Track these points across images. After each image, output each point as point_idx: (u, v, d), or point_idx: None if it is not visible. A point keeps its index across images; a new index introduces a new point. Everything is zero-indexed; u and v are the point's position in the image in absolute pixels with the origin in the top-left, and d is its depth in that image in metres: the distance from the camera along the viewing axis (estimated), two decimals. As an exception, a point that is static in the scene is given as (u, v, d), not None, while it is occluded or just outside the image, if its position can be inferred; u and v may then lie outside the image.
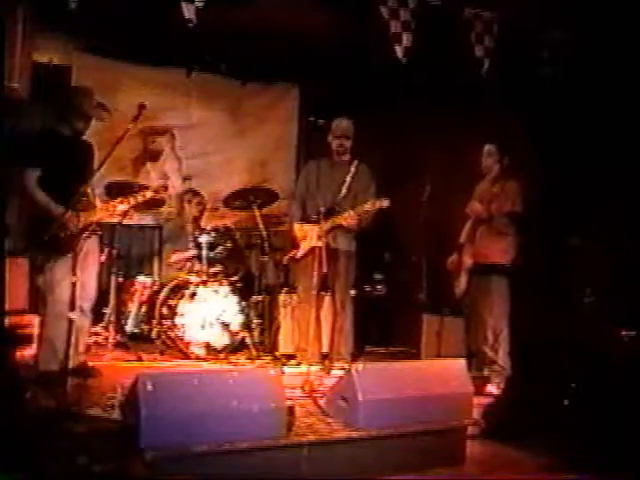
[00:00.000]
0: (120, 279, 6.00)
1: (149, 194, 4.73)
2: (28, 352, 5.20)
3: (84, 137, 4.62)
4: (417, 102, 6.40)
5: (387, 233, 6.56)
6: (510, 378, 4.91)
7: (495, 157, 5.20)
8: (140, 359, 5.27)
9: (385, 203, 5.04)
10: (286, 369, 5.01)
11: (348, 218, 5.14)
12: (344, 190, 5.31)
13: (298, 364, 5.36)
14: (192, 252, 6.05)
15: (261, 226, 6.00)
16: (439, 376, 4.00)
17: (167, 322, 5.65)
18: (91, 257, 4.58)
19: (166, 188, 5.13)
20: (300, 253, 5.37)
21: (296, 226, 5.46)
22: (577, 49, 5.30)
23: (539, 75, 5.42)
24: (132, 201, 4.64)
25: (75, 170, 4.40)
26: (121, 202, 4.60)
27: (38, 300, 4.57)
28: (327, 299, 5.57)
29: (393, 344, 6.66)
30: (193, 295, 5.69)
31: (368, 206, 5.08)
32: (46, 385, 3.95)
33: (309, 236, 5.28)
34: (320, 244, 4.90)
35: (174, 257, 6.18)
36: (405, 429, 3.74)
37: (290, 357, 5.64)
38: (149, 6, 5.32)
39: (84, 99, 4.55)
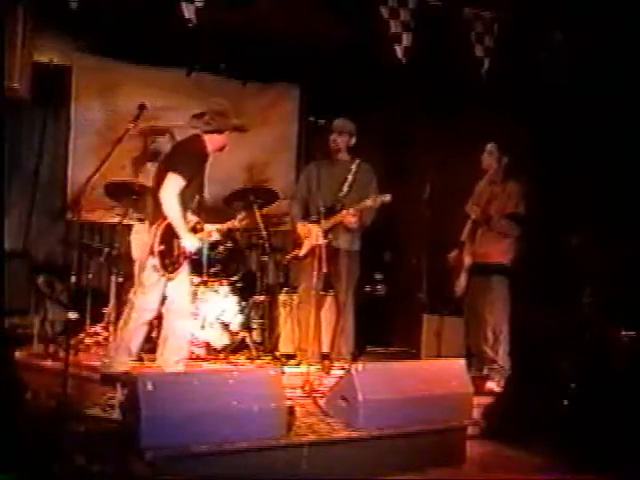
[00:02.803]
0: (120, 279, 5.98)
1: (237, 223, 5.33)
2: (29, 352, 5.22)
3: None
4: (417, 102, 6.39)
5: (387, 233, 6.56)
6: (510, 378, 4.91)
7: (496, 156, 5.19)
8: (141, 359, 5.26)
9: (387, 198, 5.01)
10: (286, 369, 5.00)
11: (348, 215, 5.13)
12: (346, 188, 5.29)
13: (298, 364, 5.36)
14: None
15: (261, 226, 6.00)
16: (439, 376, 4.00)
17: (167, 322, 5.64)
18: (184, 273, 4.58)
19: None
20: (303, 252, 5.36)
21: (299, 225, 5.45)
22: (577, 49, 5.31)
23: (539, 75, 5.42)
24: (225, 227, 5.24)
25: (199, 186, 4.63)
26: (218, 230, 5.03)
27: (40, 300, 4.57)
28: (328, 299, 5.58)
29: (393, 344, 6.67)
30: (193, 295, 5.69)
31: (369, 202, 5.05)
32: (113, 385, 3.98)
33: (311, 235, 5.26)
34: (321, 243, 4.89)
35: None
36: (405, 429, 3.75)
37: (290, 357, 5.64)
38: (149, 6, 5.32)
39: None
